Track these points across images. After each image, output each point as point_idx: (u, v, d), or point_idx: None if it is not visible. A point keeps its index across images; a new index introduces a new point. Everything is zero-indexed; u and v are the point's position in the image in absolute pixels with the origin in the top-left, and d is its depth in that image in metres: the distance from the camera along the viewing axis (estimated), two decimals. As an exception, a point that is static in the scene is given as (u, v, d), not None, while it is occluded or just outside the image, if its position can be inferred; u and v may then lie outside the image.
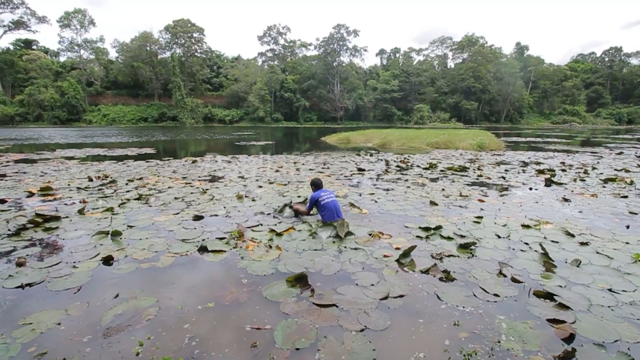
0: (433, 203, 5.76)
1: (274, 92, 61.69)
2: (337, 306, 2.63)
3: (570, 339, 2.25)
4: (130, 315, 2.50)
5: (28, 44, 62.36)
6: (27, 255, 3.57)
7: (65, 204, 5.71)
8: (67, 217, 4.92)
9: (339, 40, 65.65)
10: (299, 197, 6.22)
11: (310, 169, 9.76)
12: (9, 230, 4.31)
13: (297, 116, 64.16)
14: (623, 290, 2.88)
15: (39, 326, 2.37)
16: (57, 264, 3.37)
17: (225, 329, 2.36)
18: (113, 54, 64.98)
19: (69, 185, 7.35)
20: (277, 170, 9.49)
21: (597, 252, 3.69)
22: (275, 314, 2.55)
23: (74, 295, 2.81)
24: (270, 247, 3.81)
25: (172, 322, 2.44)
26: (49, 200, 5.98)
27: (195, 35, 63.35)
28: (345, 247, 3.82)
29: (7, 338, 2.24)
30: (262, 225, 4.57)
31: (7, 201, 5.85)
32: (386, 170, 9.57)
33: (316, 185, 5.09)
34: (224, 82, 67.71)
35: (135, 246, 3.83)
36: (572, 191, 6.89)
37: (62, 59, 64.03)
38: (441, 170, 9.57)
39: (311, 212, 4.97)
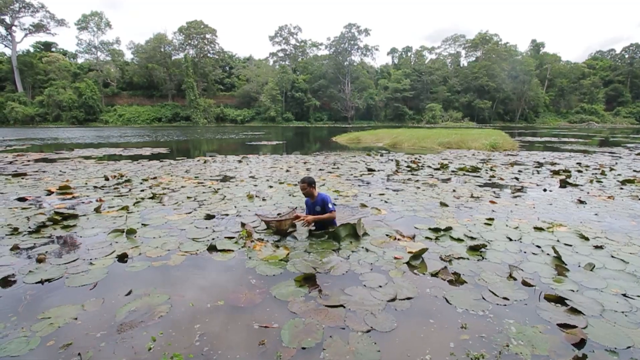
0: (443, 204, 5.71)
1: (285, 92, 62.04)
2: (344, 307, 2.65)
3: (581, 344, 2.22)
4: (143, 311, 2.58)
5: (47, 46, 64.51)
6: (47, 251, 3.71)
7: (83, 203, 5.90)
8: (84, 215, 5.08)
9: (350, 39, 65.54)
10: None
11: (320, 169, 9.79)
12: (29, 227, 4.48)
13: (308, 116, 64.39)
14: (638, 296, 2.80)
15: (57, 320, 2.46)
16: (74, 260, 3.49)
17: (234, 327, 2.41)
18: (128, 56, 66.67)
19: (86, 184, 7.58)
20: (287, 170, 9.56)
21: (612, 256, 3.60)
22: (283, 313, 2.58)
23: (90, 291, 2.91)
24: (277, 247, 3.84)
25: (183, 319, 2.50)
26: (67, 199, 6.19)
27: (207, 36, 64.29)
28: (362, 247, 3.84)
29: (28, 331, 2.34)
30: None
31: (27, 199, 6.07)
32: (396, 170, 9.52)
33: (314, 183, 4.45)
34: (236, 82, 68.50)
35: (149, 244, 3.93)
36: (588, 193, 6.72)
37: (79, 60, 66.05)
38: (452, 171, 9.46)
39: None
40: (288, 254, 3.64)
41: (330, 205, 4.26)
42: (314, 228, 4.36)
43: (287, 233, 4.21)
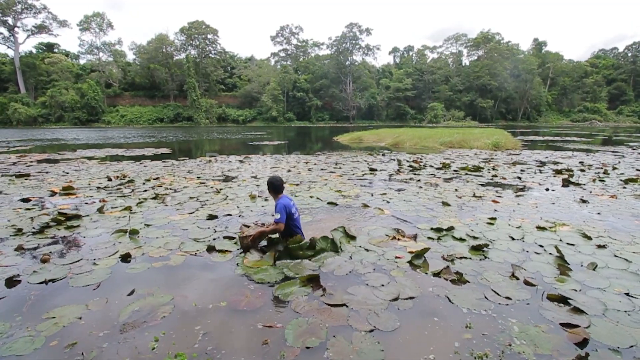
0: (446, 204, 5.71)
1: (287, 92, 62.05)
2: (347, 306, 2.65)
3: (583, 343, 2.22)
4: (146, 312, 2.59)
5: (50, 47, 64.67)
6: (51, 252, 3.73)
7: (86, 203, 5.93)
8: (87, 215, 5.11)
9: (352, 39, 65.49)
10: (311, 197, 6.26)
11: (322, 169, 9.80)
12: (33, 228, 4.51)
13: (310, 116, 64.36)
14: (641, 295, 2.80)
15: (62, 320, 2.48)
16: (78, 260, 3.51)
17: (237, 327, 2.42)
18: (130, 56, 66.83)
19: (89, 184, 7.61)
20: (289, 170, 9.57)
21: (615, 256, 3.59)
22: (286, 312, 2.59)
23: (93, 291, 2.93)
24: (264, 252, 3.66)
25: (186, 319, 2.51)
26: (71, 199, 6.22)
27: (209, 36, 64.35)
28: (360, 246, 3.84)
29: (32, 331, 2.36)
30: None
31: (31, 200, 6.11)
32: (398, 170, 9.51)
33: (277, 187, 3.77)
34: (238, 82, 68.56)
35: (152, 244, 3.95)
36: (591, 192, 6.70)
37: (82, 61, 66.11)
38: (455, 170, 9.45)
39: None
40: (275, 255, 3.50)
41: (277, 216, 3.56)
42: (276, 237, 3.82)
43: (257, 247, 3.70)
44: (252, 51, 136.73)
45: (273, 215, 3.70)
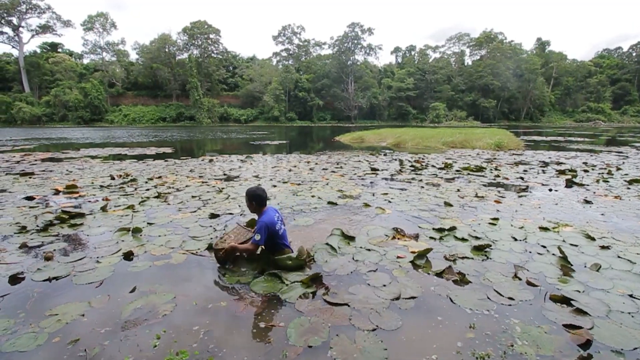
0: (448, 204, 5.69)
1: (288, 92, 62.10)
2: (349, 305, 2.65)
3: (586, 345, 2.20)
4: (148, 309, 2.60)
5: (54, 47, 65.07)
6: (54, 250, 3.76)
7: (89, 202, 5.95)
8: (91, 214, 5.13)
9: (354, 38, 65.51)
10: (313, 196, 6.27)
11: (323, 169, 9.79)
12: (37, 226, 4.53)
13: (311, 115, 64.40)
14: (645, 296, 2.78)
15: (64, 317, 2.50)
16: (81, 258, 3.52)
17: (239, 325, 2.43)
18: (133, 56, 67.16)
19: (92, 183, 7.65)
20: (290, 170, 9.58)
21: (619, 257, 3.57)
22: (288, 311, 2.60)
23: (96, 289, 2.94)
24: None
25: (187, 317, 2.52)
26: (74, 198, 6.25)
27: (211, 36, 64.53)
28: (361, 247, 3.84)
29: (36, 327, 2.38)
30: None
31: (35, 198, 6.14)
32: (400, 170, 9.50)
33: (262, 200, 3.32)
34: (240, 82, 68.70)
35: (154, 243, 3.97)
36: (595, 193, 6.66)
37: (85, 61, 66.46)
38: (457, 170, 9.42)
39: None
40: (257, 268, 3.28)
41: (256, 237, 3.16)
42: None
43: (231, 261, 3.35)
44: (254, 51, 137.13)
45: None
